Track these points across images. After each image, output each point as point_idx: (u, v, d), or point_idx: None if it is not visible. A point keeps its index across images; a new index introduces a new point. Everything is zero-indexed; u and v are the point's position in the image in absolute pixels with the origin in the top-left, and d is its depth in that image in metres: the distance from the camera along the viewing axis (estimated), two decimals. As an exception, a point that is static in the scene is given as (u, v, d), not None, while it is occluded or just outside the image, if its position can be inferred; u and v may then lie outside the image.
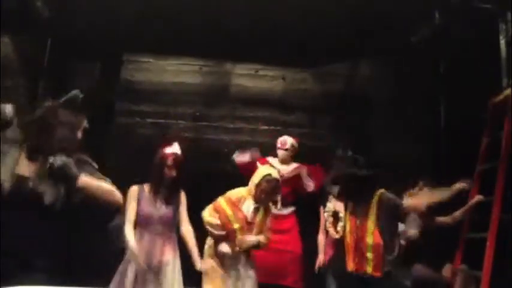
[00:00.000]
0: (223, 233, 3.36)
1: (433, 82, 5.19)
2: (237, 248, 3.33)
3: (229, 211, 3.36)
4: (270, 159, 4.48)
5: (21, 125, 2.78)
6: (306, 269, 4.17)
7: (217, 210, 3.39)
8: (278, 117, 5.28)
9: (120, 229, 3.27)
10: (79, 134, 3.01)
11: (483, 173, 4.14)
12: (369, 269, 3.26)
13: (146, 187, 3.42)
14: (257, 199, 3.40)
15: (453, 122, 4.98)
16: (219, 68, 5.39)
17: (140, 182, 3.41)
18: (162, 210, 3.35)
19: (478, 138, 4.24)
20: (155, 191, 3.38)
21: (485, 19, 4.13)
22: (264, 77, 5.39)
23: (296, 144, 4.48)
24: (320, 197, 4.14)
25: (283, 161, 4.41)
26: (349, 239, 3.41)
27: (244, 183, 3.60)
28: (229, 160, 4.53)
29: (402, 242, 3.68)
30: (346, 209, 3.55)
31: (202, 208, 3.51)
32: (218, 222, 3.35)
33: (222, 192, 3.57)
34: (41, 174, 2.55)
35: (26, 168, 2.53)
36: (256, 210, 3.40)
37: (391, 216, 3.38)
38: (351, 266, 3.36)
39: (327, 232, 3.98)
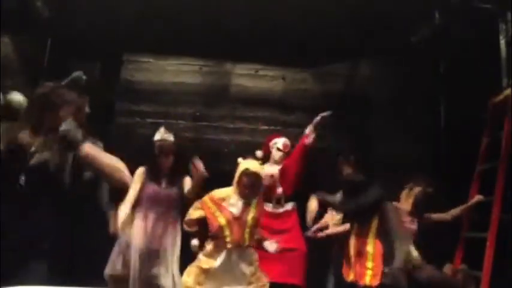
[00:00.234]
0: (193, 229, 3.40)
1: (433, 82, 5.19)
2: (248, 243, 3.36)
3: (213, 207, 3.37)
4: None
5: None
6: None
7: (201, 207, 3.39)
8: (278, 117, 5.28)
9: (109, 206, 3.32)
10: (83, 114, 2.98)
11: (483, 173, 4.15)
12: (368, 279, 3.26)
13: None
14: (242, 195, 3.38)
15: (453, 122, 4.98)
16: (219, 68, 5.39)
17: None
18: (167, 191, 3.38)
19: (478, 138, 4.24)
20: (157, 176, 3.44)
21: (485, 19, 4.14)
22: (264, 77, 5.39)
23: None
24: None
25: (277, 162, 4.39)
26: (350, 248, 3.41)
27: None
28: (230, 160, 4.53)
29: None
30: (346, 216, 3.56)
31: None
32: (198, 215, 3.37)
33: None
34: (45, 144, 2.41)
35: (28, 139, 2.43)
36: (246, 206, 3.39)
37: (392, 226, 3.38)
38: (350, 275, 3.36)
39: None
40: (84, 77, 3.00)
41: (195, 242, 3.40)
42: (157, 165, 3.46)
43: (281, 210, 4.16)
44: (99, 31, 4.69)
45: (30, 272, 2.33)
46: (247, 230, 3.34)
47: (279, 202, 4.20)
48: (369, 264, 3.28)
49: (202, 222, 3.39)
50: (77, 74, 3.00)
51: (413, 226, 3.90)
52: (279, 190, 4.24)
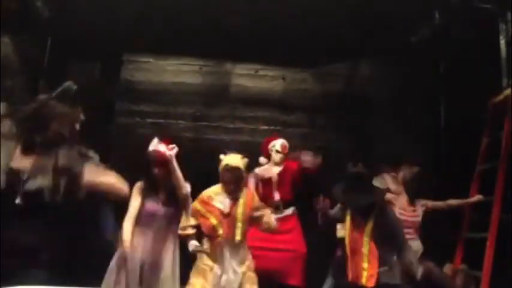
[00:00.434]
0: (189, 232, 3.38)
1: (433, 82, 5.20)
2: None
3: (202, 209, 3.37)
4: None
5: (16, 120, 2.73)
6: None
7: (193, 215, 3.40)
8: (278, 117, 5.29)
9: (113, 226, 3.28)
10: (77, 126, 2.95)
11: (483, 173, 4.15)
12: (363, 280, 3.27)
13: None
14: (227, 191, 3.39)
15: (453, 122, 4.98)
16: (219, 68, 5.39)
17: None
18: (165, 207, 3.37)
19: (478, 138, 4.24)
20: (153, 189, 3.41)
21: (485, 19, 4.14)
22: (264, 77, 5.39)
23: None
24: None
25: (277, 164, 4.38)
26: (347, 249, 3.41)
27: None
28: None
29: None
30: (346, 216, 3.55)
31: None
32: (193, 223, 3.37)
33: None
34: (38, 167, 2.48)
35: (21, 162, 2.44)
36: (234, 202, 3.39)
37: (388, 229, 3.39)
38: (348, 276, 3.37)
39: None
40: (74, 87, 2.96)
41: (194, 242, 3.39)
42: (153, 177, 3.43)
43: (280, 215, 4.15)
44: (99, 31, 4.69)
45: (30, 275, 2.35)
46: (239, 224, 3.33)
47: (277, 208, 4.18)
48: (365, 264, 3.29)
49: (197, 226, 3.40)
50: (67, 84, 2.95)
51: (417, 218, 3.91)
52: (277, 197, 4.24)
